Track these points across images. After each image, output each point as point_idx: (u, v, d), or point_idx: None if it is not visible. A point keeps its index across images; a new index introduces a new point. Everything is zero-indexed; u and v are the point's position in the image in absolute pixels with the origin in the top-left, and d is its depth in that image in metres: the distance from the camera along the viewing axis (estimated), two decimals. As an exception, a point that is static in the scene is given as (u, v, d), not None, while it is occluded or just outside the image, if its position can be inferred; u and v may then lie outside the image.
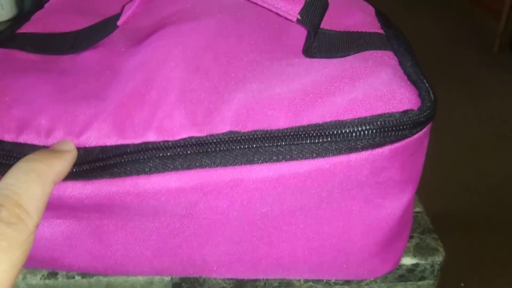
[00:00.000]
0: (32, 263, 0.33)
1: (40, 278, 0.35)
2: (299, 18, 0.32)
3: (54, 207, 0.29)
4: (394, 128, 0.26)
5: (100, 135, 0.28)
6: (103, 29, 0.37)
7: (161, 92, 0.30)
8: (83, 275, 0.35)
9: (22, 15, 0.42)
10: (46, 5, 0.43)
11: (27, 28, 0.39)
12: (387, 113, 0.27)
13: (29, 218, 0.24)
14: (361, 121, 0.27)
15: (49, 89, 0.31)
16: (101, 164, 0.28)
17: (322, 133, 0.27)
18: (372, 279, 0.36)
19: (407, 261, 0.36)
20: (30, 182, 0.25)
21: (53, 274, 0.35)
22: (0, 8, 0.70)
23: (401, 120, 0.27)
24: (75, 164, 0.28)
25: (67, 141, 0.29)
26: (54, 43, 0.37)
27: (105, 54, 0.35)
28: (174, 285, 0.35)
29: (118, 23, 0.35)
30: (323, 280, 0.35)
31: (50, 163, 0.26)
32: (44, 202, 0.25)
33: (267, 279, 0.35)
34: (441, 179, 1.38)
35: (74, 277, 0.35)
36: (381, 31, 0.36)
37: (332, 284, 0.36)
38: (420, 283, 0.37)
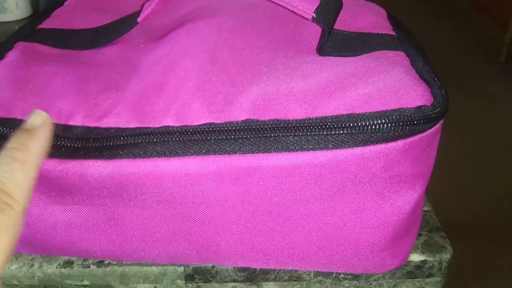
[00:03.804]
0: (49, 247, 0.34)
1: (56, 267, 0.36)
2: (315, 16, 0.33)
3: (73, 189, 0.30)
4: (408, 123, 0.27)
5: (120, 120, 0.29)
6: (123, 25, 0.38)
7: (179, 82, 0.31)
8: (98, 264, 0.36)
9: (42, 12, 0.43)
10: (65, 3, 0.44)
11: (47, 24, 0.40)
12: (401, 108, 0.28)
13: (15, 203, 0.25)
14: (376, 115, 0.27)
15: (71, 79, 0.32)
16: (121, 143, 0.29)
17: (338, 125, 0.28)
18: (380, 275, 0.36)
19: (415, 257, 0.36)
20: (13, 171, 0.26)
21: (69, 263, 0.36)
22: (15, 7, 0.71)
23: (415, 115, 0.27)
24: (95, 139, 0.29)
25: (37, 112, 0.29)
26: (74, 38, 0.38)
27: (125, 50, 0.36)
28: (187, 276, 0.36)
29: (138, 19, 0.36)
30: (332, 274, 0.36)
31: (28, 148, 0.27)
32: (30, 187, 0.26)
33: (277, 273, 0.36)
34: (447, 186, 1.38)
35: (89, 266, 0.36)
36: (392, 32, 0.37)
37: (341, 279, 0.36)
38: (427, 280, 0.37)
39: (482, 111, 1.77)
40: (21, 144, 0.27)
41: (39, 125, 0.28)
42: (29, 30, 0.39)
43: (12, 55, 0.36)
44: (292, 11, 0.34)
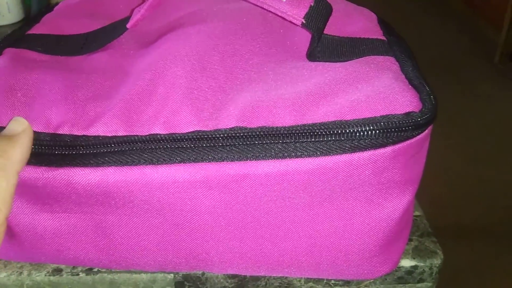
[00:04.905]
0: (38, 255, 0.34)
1: (45, 275, 0.35)
2: (304, 22, 0.33)
3: (61, 197, 0.30)
4: (396, 129, 0.27)
5: (108, 129, 0.29)
6: (112, 31, 0.38)
7: (168, 90, 0.31)
8: (87, 272, 0.36)
9: (32, 17, 0.43)
10: (55, 8, 0.44)
11: (37, 29, 0.40)
12: (389, 114, 0.28)
13: None
14: (364, 122, 0.27)
15: (60, 87, 0.32)
16: (108, 150, 0.29)
17: (326, 132, 0.27)
18: (371, 280, 0.36)
19: (406, 263, 0.36)
20: None
21: (57, 271, 0.36)
22: (7, 11, 0.71)
23: (404, 122, 0.27)
24: (82, 147, 0.29)
25: (18, 119, 0.29)
26: (64, 44, 0.38)
27: (114, 56, 0.36)
28: (176, 283, 0.36)
29: (128, 25, 0.36)
30: (323, 280, 0.36)
31: (8, 155, 0.27)
32: (11, 194, 0.26)
33: (268, 280, 0.36)
34: (442, 188, 1.38)
35: (78, 274, 0.35)
36: (383, 37, 0.37)
37: (332, 285, 0.36)
38: (418, 285, 0.37)
39: (477, 111, 1.78)
40: (1, 151, 0.27)
41: (20, 132, 0.28)
42: (18, 36, 0.39)
43: (0, 62, 0.35)
44: (281, 17, 0.34)
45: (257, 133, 0.28)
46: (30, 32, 0.40)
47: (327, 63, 0.33)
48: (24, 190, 0.31)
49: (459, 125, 1.67)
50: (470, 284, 1.17)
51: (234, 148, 0.28)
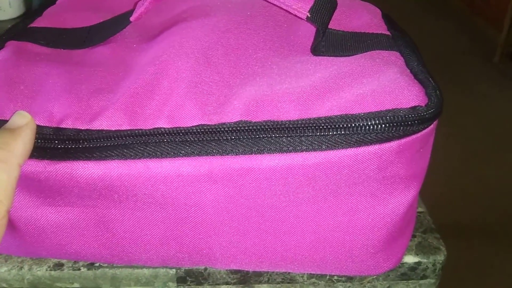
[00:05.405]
0: (39, 250, 0.34)
1: (46, 269, 0.35)
2: (309, 15, 0.33)
3: (64, 190, 0.30)
4: (402, 124, 0.27)
5: (112, 123, 0.29)
6: (115, 25, 0.37)
7: (172, 84, 0.30)
8: (89, 266, 0.35)
9: (34, 11, 0.43)
10: (58, 1, 0.44)
11: (39, 23, 0.40)
12: (395, 108, 0.28)
13: None
14: (370, 116, 0.27)
15: (63, 80, 0.32)
16: (112, 144, 0.28)
17: (332, 126, 0.27)
18: (374, 276, 0.36)
19: (409, 259, 0.36)
20: None
21: (59, 265, 0.35)
22: (8, 5, 0.70)
23: (409, 116, 0.27)
24: (85, 140, 0.29)
25: (21, 112, 0.29)
26: (66, 37, 0.38)
27: (117, 49, 0.36)
28: (178, 278, 0.36)
29: (131, 19, 0.36)
30: (326, 276, 0.36)
31: (10, 147, 0.27)
32: (13, 186, 0.26)
33: (270, 275, 0.36)
34: (442, 187, 1.38)
35: (79, 269, 0.35)
36: (387, 32, 0.37)
37: (335, 280, 0.36)
38: (421, 281, 0.37)
39: (477, 111, 1.78)
40: (3, 143, 0.27)
41: (23, 125, 0.28)
42: (20, 29, 0.39)
43: (3, 55, 0.35)
44: (286, 10, 0.34)
45: (262, 127, 0.28)
46: (32, 25, 0.40)
47: (331, 57, 0.33)
48: (26, 184, 0.30)
49: (459, 124, 1.67)
50: (470, 282, 1.17)
51: (238, 142, 0.28)
